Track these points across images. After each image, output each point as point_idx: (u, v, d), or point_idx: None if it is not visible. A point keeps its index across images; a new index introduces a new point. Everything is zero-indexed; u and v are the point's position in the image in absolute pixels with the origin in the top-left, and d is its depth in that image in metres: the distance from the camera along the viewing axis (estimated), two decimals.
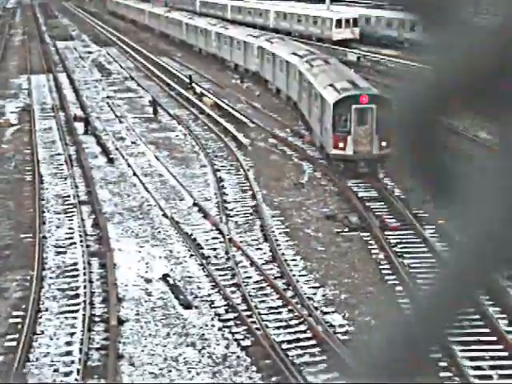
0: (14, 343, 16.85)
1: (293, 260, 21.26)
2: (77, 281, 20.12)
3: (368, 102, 27.40)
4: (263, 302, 18.77)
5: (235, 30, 58.45)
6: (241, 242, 22.57)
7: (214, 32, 61.58)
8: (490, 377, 15.46)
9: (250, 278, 20.15)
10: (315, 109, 31.68)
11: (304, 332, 17.25)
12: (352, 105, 27.48)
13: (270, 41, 48.11)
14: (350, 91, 28.26)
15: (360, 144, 27.61)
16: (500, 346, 16.33)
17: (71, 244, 22.75)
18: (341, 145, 27.67)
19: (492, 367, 15.71)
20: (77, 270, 20.82)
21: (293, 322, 17.69)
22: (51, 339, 17.20)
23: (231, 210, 25.63)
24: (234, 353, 16.51)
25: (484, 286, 1.17)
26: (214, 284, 19.77)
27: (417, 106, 1.12)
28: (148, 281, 20.10)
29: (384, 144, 27.10)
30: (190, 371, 15.88)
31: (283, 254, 21.60)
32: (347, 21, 66.04)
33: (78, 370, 15.82)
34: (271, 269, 20.67)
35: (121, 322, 17.71)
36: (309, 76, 33.87)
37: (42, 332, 17.53)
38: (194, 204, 26.04)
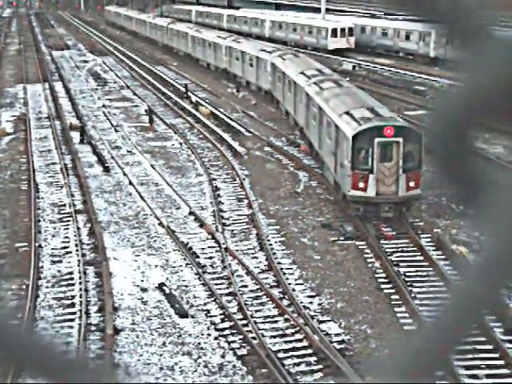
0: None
1: (289, 269, 21.26)
2: (72, 290, 20.09)
3: (394, 134, 23.44)
4: (259, 310, 18.76)
5: (247, 44, 53.53)
6: (237, 250, 22.57)
7: (224, 46, 56.79)
8: None
9: (245, 286, 20.14)
10: (327, 140, 27.69)
11: (300, 341, 17.24)
12: (375, 138, 23.51)
13: (282, 57, 43.64)
14: (371, 122, 24.21)
15: (384, 184, 23.81)
16: (496, 355, 16.33)
17: (67, 253, 22.73)
18: (361, 185, 23.79)
19: (488, 376, 15.71)
20: (72, 279, 20.79)
21: (289, 331, 17.68)
22: None
23: (227, 218, 25.64)
24: (230, 362, 16.49)
25: (497, 299, 1.20)
26: (210, 293, 19.75)
27: (452, 120, 1.18)
28: (144, 290, 20.07)
29: (412, 184, 23.55)
30: (185, 380, 15.85)
31: (279, 262, 21.61)
32: (342, 30, 66.26)
33: None
34: (267, 278, 20.66)
35: (117, 331, 17.68)
36: (319, 100, 29.97)
37: None
38: (190, 213, 26.04)
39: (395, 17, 72.84)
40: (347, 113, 25.86)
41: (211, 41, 60.62)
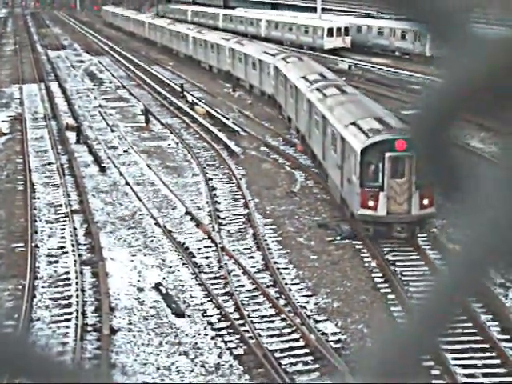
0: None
1: (285, 268, 21.27)
2: (69, 290, 20.07)
3: (406, 148, 21.53)
4: (256, 310, 18.77)
5: (251, 47, 51.39)
6: (233, 250, 22.58)
7: (228, 48, 54.64)
8: None
9: (242, 286, 20.15)
10: (332, 152, 25.91)
11: (297, 340, 17.25)
12: (385, 152, 21.85)
13: (285, 60, 41.55)
14: (381, 134, 22.51)
15: (395, 202, 22.10)
16: (492, 354, 16.36)
17: (63, 253, 22.71)
18: (370, 203, 22.10)
19: (484, 375, 15.74)
20: (69, 279, 20.77)
21: (286, 331, 17.69)
22: None
23: (223, 218, 25.64)
24: (227, 361, 16.49)
25: (480, 286, 1.23)
26: (206, 293, 19.76)
27: (433, 113, 1.21)
28: (140, 290, 20.07)
29: (426, 202, 21.92)
30: (182, 380, 15.85)
31: (276, 262, 21.62)
32: (338, 29, 66.31)
33: None
34: (264, 277, 20.67)
35: (113, 331, 17.67)
36: (322, 109, 28.15)
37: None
38: (187, 213, 26.04)
39: (391, 16, 72.94)
40: (354, 123, 24.21)
41: (214, 42, 58.66)
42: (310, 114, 30.84)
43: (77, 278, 20.64)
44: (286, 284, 20.08)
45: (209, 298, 19.45)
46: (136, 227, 24.94)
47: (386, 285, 19.93)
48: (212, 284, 20.26)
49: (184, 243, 23.22)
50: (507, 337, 17.06)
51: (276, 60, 42.53)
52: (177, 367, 16.30)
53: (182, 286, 20.34)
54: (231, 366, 16.33)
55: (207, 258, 22.20)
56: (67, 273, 21.19)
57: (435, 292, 1.24)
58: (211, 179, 30.31)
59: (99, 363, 16.17)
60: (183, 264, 21.74)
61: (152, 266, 21.67)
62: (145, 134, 39.36)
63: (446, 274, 1.25)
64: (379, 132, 22.70)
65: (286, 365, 16.24)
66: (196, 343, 17.25)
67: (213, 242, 23.22)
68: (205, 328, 17.95)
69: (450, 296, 1.23)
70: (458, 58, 1.18)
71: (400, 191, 21.97)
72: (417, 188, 21.77)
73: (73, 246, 23.07)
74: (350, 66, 58.39)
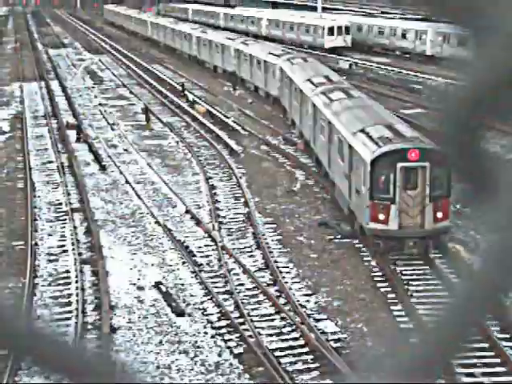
0: (6, 351, 16.76)
1: (285, 267, 21.26)
2: (69, 288, 20.07)
3: (419, 158, 20.41)
4: (256, 309, 18.77)
5: (256, 47, 50.04)
6: (233, 249, 22.58)
7: (233, 48, 53.23)
8: None
9: (242, 285, 20.15)
10: (339, 160, 24.55)
11: (297, 339, 17.25)
12: (397, 162, 20.54)
13: (290, 61, 40.03)
14: (393, 143, 21.11)
15: (408, 216, 20.77)
16: (492, 353, 16.35)
17: (63, 252, 22.71)
18: (381, 216, 20.77)
19: (484, 374, 15.73)
20: (69, 277, 20.77)
21: (285, 330, 17.69)
22: None
23: (224, 217, 25.63)
24: (227, 360, 16.49)
25: (498, 302, 1.21)
26: (206, 291, 19.76)
27: (462, 119, 1.19)
28: (140, 288, 20.07)
29: (440, 215, 20.65)
30: (182, 379, 15.85)
31: (276, 261, 21.61)
32: (339, 28, 66.29)
33: None
34: (264, 276, 20.67)
35: (113, 329, 17.67)
36: (328, 114, 26.79)
37: None
38: (187, 211, 26.03)
39: (392, 15, 72.87)
40: (362, 131, 22.87)
41: (219, 42, 57.23)
42: (314, 119, 29.64)
43: (77, 276, 20.65)
44: (286, 283, 20.08)
45: (209, 297, 19.44)
46: (136, 226, 24.94)
47: (386, 284, 19.92)
48: (212, 283, 20.26)
49: (184, 242, 23.21)
50: (507, 336, 17.06)
51: (281, 61, 41.18)
52: (177, 366, 16.29)
53: (182, 284, 20.33)
54: (231, 364, 16.33)
55: (207, 256, 22.20)
56: (67, 271, 21.19)
57: (451, 307, 1.22)
58: (211, 178, 30.30)
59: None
60: (183, 263, 21.74)
61: (152, 264, 21.67)
62: (145, 132, 39.36)
63: (463, 288, 1.22)
64: (390, 141, 21.32)
65: (285, 363, 16.24)
66: (196, 342, 17.25)
67: (213, 240, 23.22)
68: (205, 327, 17.95)
69: (468, 311, 1.21)
70: (486, 59, 1.16)
71: (413, 204, 20.68)
72: (431, 200, 20.55)
73: (73, 244, 23.07)
74: (350, 65, 58.39)
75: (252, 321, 17.99)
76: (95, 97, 50.36)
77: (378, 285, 19.99)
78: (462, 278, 1.26)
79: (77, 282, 20.30)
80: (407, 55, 61.87)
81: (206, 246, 23.01)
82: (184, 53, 68.70)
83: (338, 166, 24.89)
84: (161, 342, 17.28)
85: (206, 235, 23.78)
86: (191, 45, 65.69)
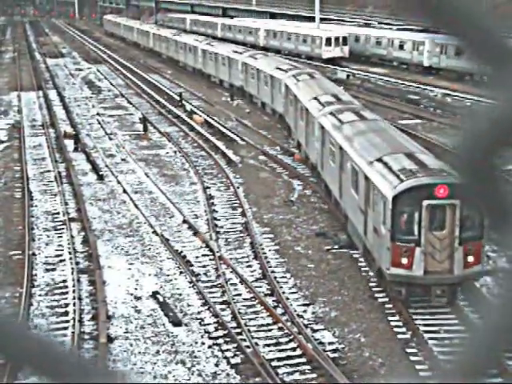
0: (2, 361, 16.71)
1: (283, 277, 21.25)
2: (66, 298, 20.04)
3: (448, 195, 17.96)
4: (253, 319, 18.75)
5: (263, 61, 47.50)
6: (231, 259, 22.56)
7: (240, 62, 51.02)
8: None
9: (239, 295, 20.13)
10: (353, 191, 22.24)
11: (294, 350, 17.22)
12: (423, 200, 18.13)
13: (296, 77, 37.82)
14: (417, 177, 18.60)
15: (434, 260, 18.42)
16: None
17: (60, 261, 22.68)
18: (404, 261, 18.37)
19: None
20: (66, 287, 20.74)
21: (283, 340, 17.66)
22: None
23: (221, 227, 25.63)
24: (224, 370, 16.46)
25: None
26: (203, 301, 19.73)
27: (481, 139, 1.16)
28: (138, 298, 20.04)
29: (471, 259, 18.32)
30: None
31: (273, 271, 21.60)
32: (337, 39, 66.50)
33: None
34: (261, 286, 20.65)
35: (110, 339, 17.64)
36: (339, 139, 24.44)
37: None
38: (184, 221, 26.03)
39: (389, 26, 73.12)
40: (380, 160, 20.57)
41: (225, 55, 55.02)
42: (323, 142, 27.37)
43: (74, 286, 20.61)
44: (284, 293, 20.06)
45: (206, 307, 19.42)
46: (133, 235, 24.93)
47: (383, 294, 19.91)
48: (209, 293, 20.24)
49: (181, 251, 23.20)
50: None
51: (286, 77, 38.96)
52: (174, 376, 16.26)
53: (180, 294, 20.31)
54: (228, 374, 16.30)
55: (205, 266, 22.18)
56: (64, 281, 21.16)
57: (472, 343, 1.22)
58: (209, 188, 30.31)
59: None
60: (180, 272, 21.72)
61: (149, 274, 21.65)
62: (143, 142, 39.38)
63: (484, 328, 1.21)
64: (414, 174, 18.82)
65: (283, 374, 16.20)
66: (193, 352, 17.22)
67: (210, 250, 23.20)
68: (202, 337, 17.92)
69: (487, 350, 1.20)
70: (504, 77, 1.14)
71: (440, 246, 18.36)
72: (461, 243, 18.18)
73: (70, 253, 23.04)
74: (348, 76, 58.52)
75: (249, 331, 17.97)
76: (93, 106, 50.41)
77: (376, 295, 19.97)
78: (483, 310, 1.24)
79: (74, 291, 20.27)
80: (405, 66, 62.02)
81: (203, 255, 23.00)
82: (188, 65, 66.93)
83: (351, 198, 22.51)
84: (158, 351, 17.25)
85: (204, 245, 23.77)
86: (196, 57, 63.67)
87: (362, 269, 21.70)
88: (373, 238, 19.97)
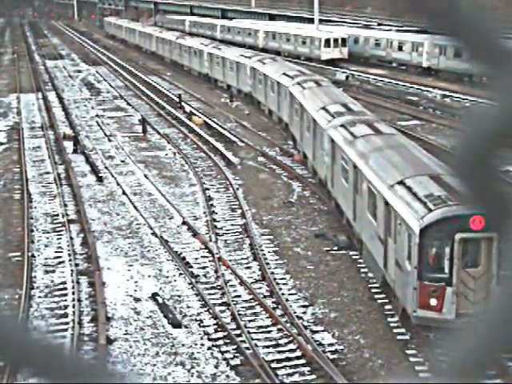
0: (2, 363, 16.70)
1: (282, 279, 21.25)
2: (65, 300, 20.03)
3: (484, 227, 15.63)
4: (252, 320, 18.74)
5: (271, 66, 45.17)
6: (230, 260, 22.56)
7: (249, 67, 48.69)
8: None
9: (239, 296, 20.12)
10: (370, 217, 19.95)
11: (294, 351, 17.21)
12: (455, 232, 15.98)
13: (301, 84, 35.54)
14: (449, 206, 16.28)
15: (468, 301, 16.17)
16: None
17: (60, 263, 22.67)
18: (433, 302, 16.24)
19: None
20: (65, 288, 20.73)
21: (282, 341, 17.66)
22: None
23: (220, 228, 25.62)
24: (224, 372, 16.45)
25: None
26: (203, 303, 19.73)
27: (480, 140, 1.15)
28: (137, 300, 20.03)
29: None
30: None
31: (272, 272, 21.59)
32: (336, 40, 66.52)
33: None
34: (260, 287, 20.65)
35: (110, 341, 17.63)
36: (353, 156, 22.20)
37: None
38: (183, 223, 26.02)
39: (388, 27, 73.16)
40: (402, 183, 18.30)
41: (233, 60, 52.92)
42: (333, 158, 25.11)
43: (73, 287, 20.60)
44: (283, 294, 20.06)
45: (205, 309, 19.41)
46: (133, 237, 24.92)
47: (383, 295, 19.90)
48: (209, 294, 20.23)
49: (181, 253, 23.19)
50: None
51: (291, 84, 36.67)
52: (173, 377, 16.25)
53: (179, 296, 20.30)
54: (228, 376, 16.29)
55: (204, 268, 22.17)
56: (64, 282, 21.15)
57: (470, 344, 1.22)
58: (208, 189, 30.31)
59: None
60: (180, 274, 21.71)
61: (149, 275, 21.64)
62: (142, 144, 39.38)
63: (480, 331, 1.21)
64: (444, 202, 16.51)
65: (282, 375, 16.20)
66: (193, 353, 17.21)
67: (209, 252, 23.20)
68: (201, 338, 17.91)
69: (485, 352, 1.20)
70: (503, 77, 1.14)
71: (475, 286, 16.18)
72: (498, 281, 15.86)
73: (69, 255, 23.04)
74: (347, 77, 58.54)
75: (249, 332, 17.97)
76: (92, 108, 50.40)
77: (375, 296, 19.97)
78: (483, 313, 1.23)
79: (73, 293, 20.26)
80: (403, 67, 62.04)
81: (202, 257, 22.99)
82: (193, 70, 64.70)
83: (368, 223, 20.28)
84: (157, 353, 17.24)
85: (203, 246, 23.77)
86: (202, 61, 61.37)
87: (362, 270, 21.70)
88: (395, 274, 17.76)
